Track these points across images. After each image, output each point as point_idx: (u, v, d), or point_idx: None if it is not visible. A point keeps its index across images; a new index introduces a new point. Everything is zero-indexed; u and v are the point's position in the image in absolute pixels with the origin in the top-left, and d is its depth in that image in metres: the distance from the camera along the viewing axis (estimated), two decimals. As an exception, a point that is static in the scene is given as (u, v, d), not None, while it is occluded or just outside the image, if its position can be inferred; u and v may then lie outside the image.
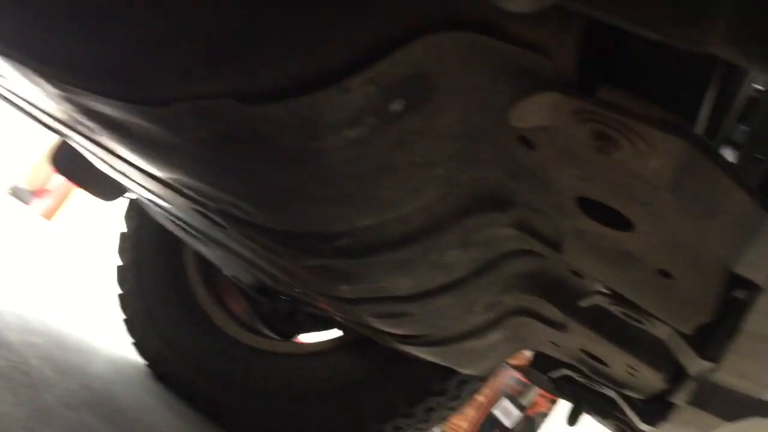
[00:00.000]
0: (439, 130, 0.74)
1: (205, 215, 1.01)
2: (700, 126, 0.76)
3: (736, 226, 0.56)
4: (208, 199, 0.89)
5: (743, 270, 0.58)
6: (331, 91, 0.61)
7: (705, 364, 0.86)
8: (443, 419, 2.08)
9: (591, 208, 0.76)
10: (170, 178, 0.90)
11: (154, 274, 2.27)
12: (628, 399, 1.34)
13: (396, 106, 0.67)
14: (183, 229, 1.52)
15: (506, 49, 0.60)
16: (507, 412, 4.59)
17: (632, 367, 1.16)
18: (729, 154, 1.79)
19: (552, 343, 1.36)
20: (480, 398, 4.58)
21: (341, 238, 0.89)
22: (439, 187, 0.84)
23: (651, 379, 1.14)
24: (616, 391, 1.35)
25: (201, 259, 2.20)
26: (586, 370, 1.38)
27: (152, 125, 0.73)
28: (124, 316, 2.31)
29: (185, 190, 0.93)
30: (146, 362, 2.27)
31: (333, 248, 0.91)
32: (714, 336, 0.93)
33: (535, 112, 0.61)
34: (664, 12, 0.40)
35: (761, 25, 0.38)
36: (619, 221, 0.75)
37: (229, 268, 1.91)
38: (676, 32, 0.40)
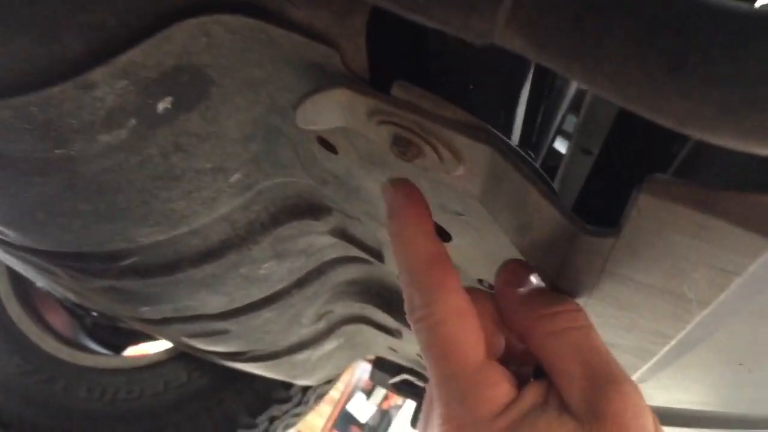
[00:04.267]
0: (227, 132, 0.62)
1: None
2: (518, 124, 0.70)
3: (549, 242, 0.49)
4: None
5: (564, 286, 0.52)
6: (68, 86, 0.48)
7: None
8: (290, 427, 1.98)
9: None
10: None
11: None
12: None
13: (163, 104, 0.55)
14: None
15: (288, 38, 0.50)
16: (361, 407, 4.56)
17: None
18: (562, 145, 1.80)
19: (390, 348, 1.29)
20: (334, 394, 4.52)
21: (127, 257, 0.76)
22: (240, 196, 0.73)
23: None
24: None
25: (11, 268, 1.95)
26: (425, 374, 1.33)
27: None
28: None
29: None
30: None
31: (119, 268, 0.77)
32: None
33: (324, 112, 0.52)
34: None
35: (548, 9, 0.30)
36: (438, 230, 0.67)
37: (38, 279, 1.69)
38: (454, 20, 0.31)
